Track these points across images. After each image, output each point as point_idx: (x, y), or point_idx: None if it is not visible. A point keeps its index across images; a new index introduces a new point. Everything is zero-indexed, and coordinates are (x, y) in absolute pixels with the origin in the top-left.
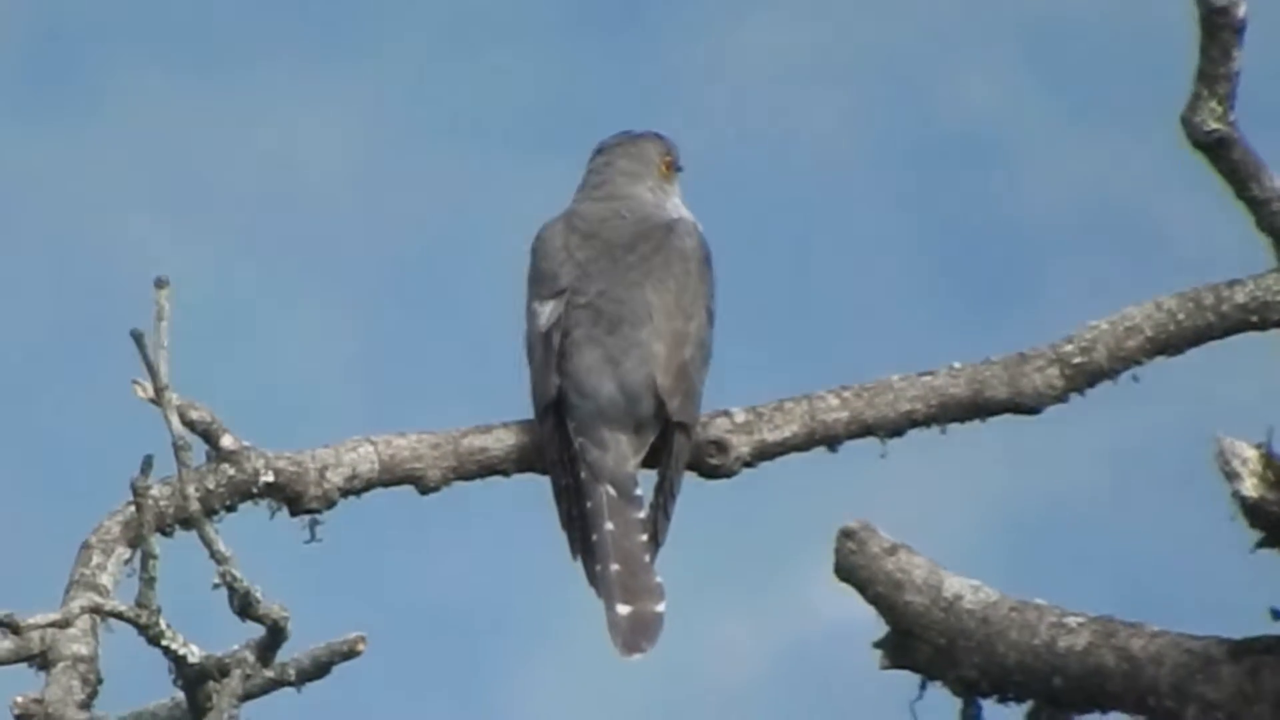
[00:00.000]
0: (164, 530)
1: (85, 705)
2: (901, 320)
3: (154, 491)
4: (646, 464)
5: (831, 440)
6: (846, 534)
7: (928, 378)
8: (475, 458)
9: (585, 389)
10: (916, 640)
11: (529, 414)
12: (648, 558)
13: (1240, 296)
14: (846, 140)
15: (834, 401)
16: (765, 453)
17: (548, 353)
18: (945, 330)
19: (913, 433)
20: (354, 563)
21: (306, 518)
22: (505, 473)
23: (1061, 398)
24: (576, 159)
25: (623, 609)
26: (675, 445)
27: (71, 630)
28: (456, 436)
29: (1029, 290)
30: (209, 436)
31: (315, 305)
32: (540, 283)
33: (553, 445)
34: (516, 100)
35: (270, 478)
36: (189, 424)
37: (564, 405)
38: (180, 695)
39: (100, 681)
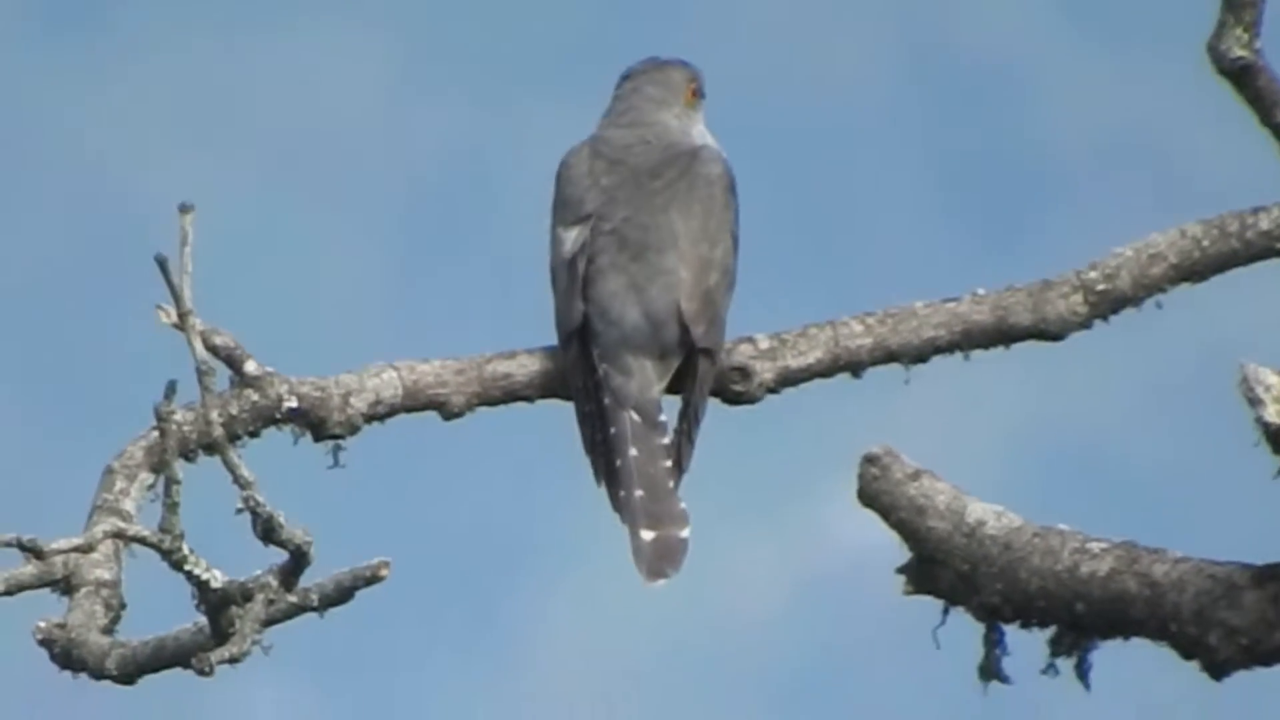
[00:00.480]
0: (187, 455)
1: (108, 630)
2: (925, 248)
3: (177, 417)
4: (670, 390)
5: (855, 366)
6: (869, 460)
7: (951, 304)
8: (499, 384)
9: (610, 315)
10: (939, 566)
11: (553, 340)
12: (671, 484)
13: (1265, 223)
14: (870, 68)
15: (858, 328)
16: (789, 379)
17: (572, 279)
18: (969, 258)
19: (936, 359)
20: (377, 489)
21: (330, 444)
22: (529, 399)
23: (1085, 324)
24: (603, 87)
25: (646, 535)
26: (699, 371)
27: (94, 555)
28: (480, 362)
29: (1053, 218)
30: (232, 362)
31: (340, 232)
32: (565, 209)
33: (577, 372)
34: (545, 29)
35: (293, 403)
36: (212, 349)
37: (588, 332)
38: (203, 620)
39: (123, 607)
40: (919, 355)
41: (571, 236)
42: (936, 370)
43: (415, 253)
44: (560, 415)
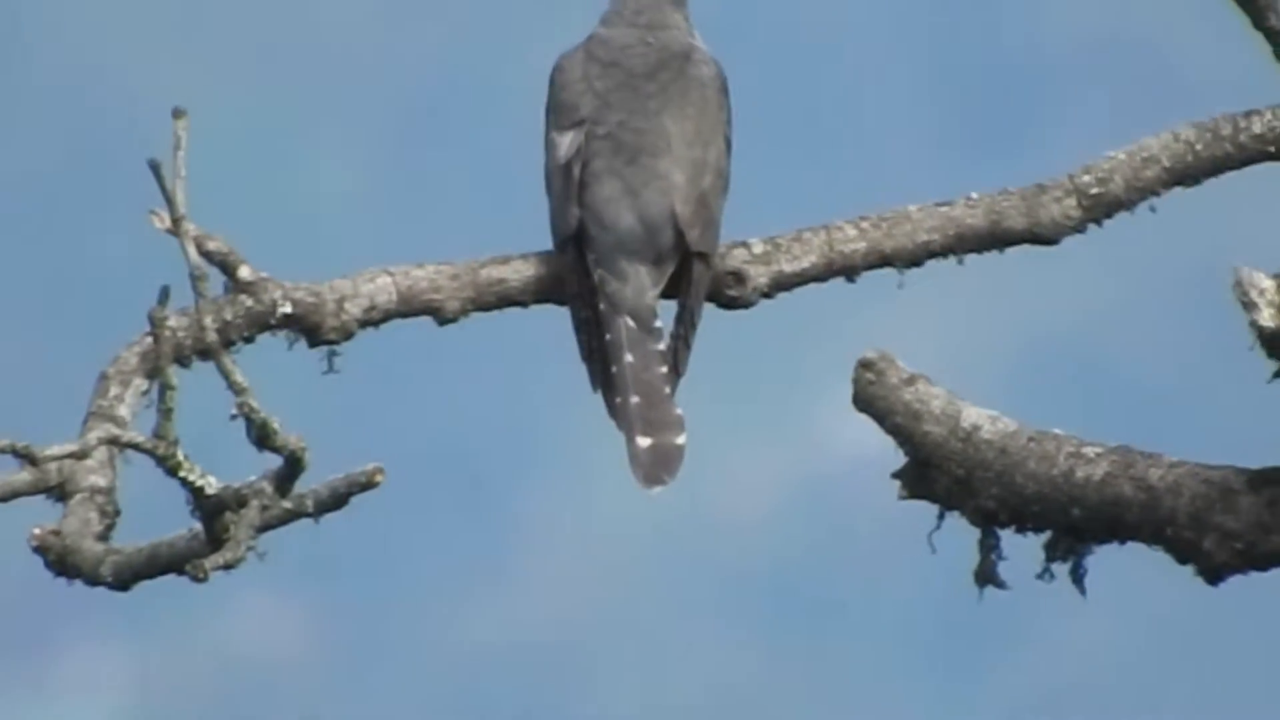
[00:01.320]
0: (181, 361)
1: (103, 537)
2: (919, 152)
3: (171, 322)
4: (666, 295)
5: (849, 271)
6: (865, 365)
7: (945, 208)
8: (494, 289)
9: (605, 220)
10: (935, 471)
11: (548, 246)
12: (668, 390)
13: (1258, 127)
14: None
15: (852, 232)
16: (783, 284)
17: (567, 184)
18: (962, 163)
19: (931, 264)
20: (372, 395)
21: (324, 349)
22: (524, 304)
23: (1079, 228)
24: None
25: (643, 441)
26: (695, 276)
27: (89, 461)
28: (475, 267)
29: (1047, 122)
30: (226, 267)
31: (335, 137)
32: (559, 113)
33: (572, 277)
34: None
35: (288, 309)
36: (206, 254)
37: (583, 237)
38: (198, 526)
39: (118, 513)
40: (913, 259)
41: (566, 141)
42: (931, 274)
43: (410, 157)
44: (556, 320)
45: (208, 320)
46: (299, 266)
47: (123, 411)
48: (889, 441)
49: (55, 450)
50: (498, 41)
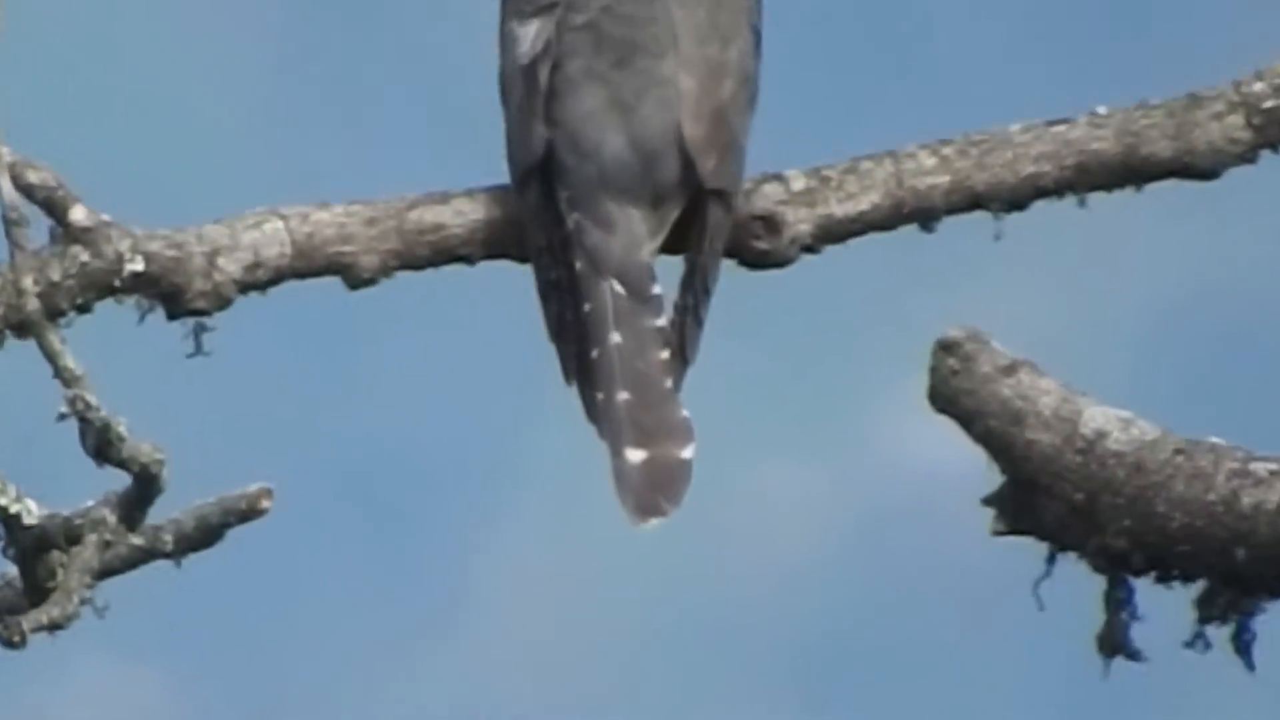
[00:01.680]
0: None
1: None
2: (1019, 49)
3: None
4: (668, 250)
5: (926, 216)
6: (947, 347)
7: (1061, 128)
8: (427, 238)
9: (584, 145)
10: (1043, 496)
11: (504, 179)
12: (670, 383)
13: None
14: None
15: (929, 162)
16: (833, 232)
17: (531, 94)
18: (1082, 64)
19: (1039, 205)
20: (256, 386)
21: (190, 321)
22: (469, 259)
23: (1247, 156)
24: None
25: (635, 455)
26: (710, 222)
27: None
28: (401, 209)
29: (1199, 9)
30: (53, 207)
31: (204, 31)
32: None
33: (538, 223)
34: None
35: (139, 266)
36: (25, 190)
37: (554, 167)
38: (12, 571)
39: None
40: (1015, 200)
41: (529, 34)
42: (1039, 220)
43: (308, 58)
44: (513, 283)
45: (27, 281)
46: (156, 207)
47: None
48: (978, 455)
49: None
50: None
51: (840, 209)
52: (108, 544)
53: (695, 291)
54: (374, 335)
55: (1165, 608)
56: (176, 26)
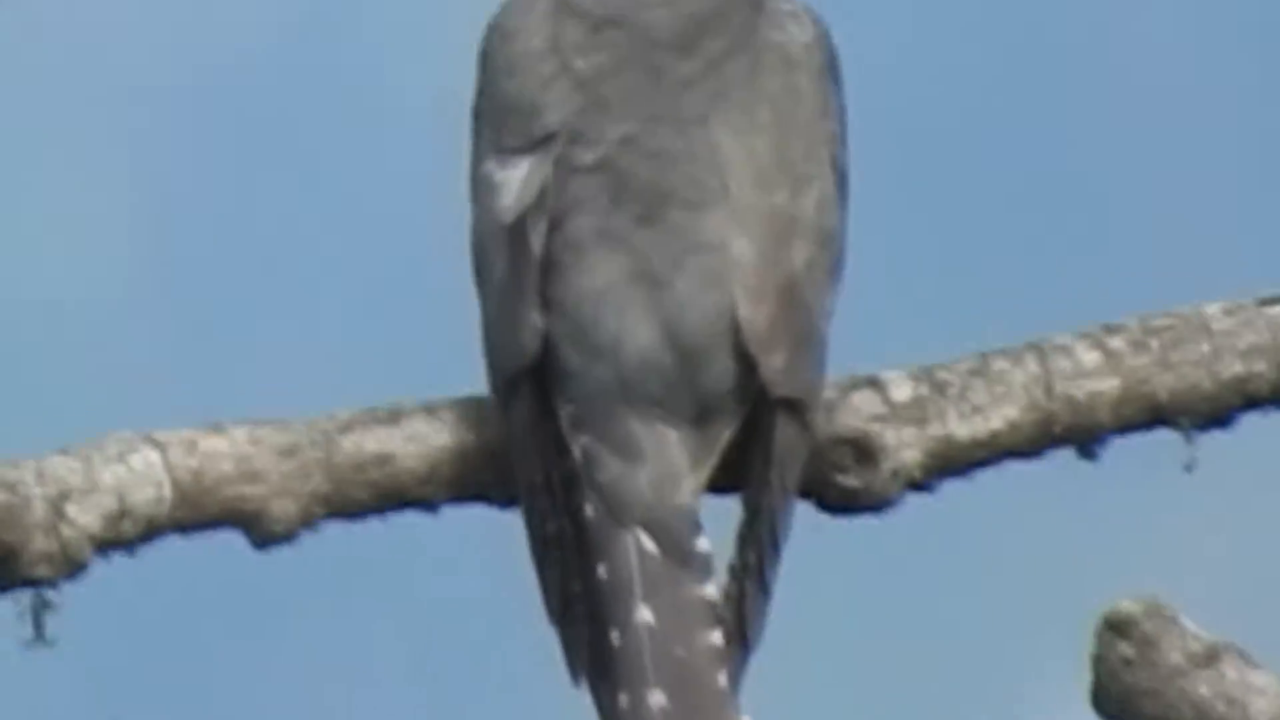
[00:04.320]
0: None
1: None
2: (1217, 201)
3: None
4: (718, 486)
5: (1087, 436)
6: (1117, 627)
7: (1279, 310)
8: (367, 475)
9: (595, 338)
10: None
11: (482, 387)
12: (724, 679)
13: None
14: None
15: (1089, 357)
16: (951, 461)
17: (519, 266)
18: None
19: (1248, 419)
20: (118, 685)
21: (28, 594)
22: (428, 502)
23: None
24: None
25: None
26: (778, 447)
27: None
28: (331, 430)
29: None
30: None
31: (57, 166)
32: (504, 121)
33: (529, 451)
34: None
35: None
36: None
37: (552, 371)
38: None
39: None
40: (1215, 412)
41: (515, 178)
42: (1248, 441)
43: (199, 202)
44: (491, 539)
45: None
46: None
47: None
48: None
49: None
50: None
51: (963, 428)
52: None
53: (759, 546)
54: (287, 610)
55: None
56: (38, 158)
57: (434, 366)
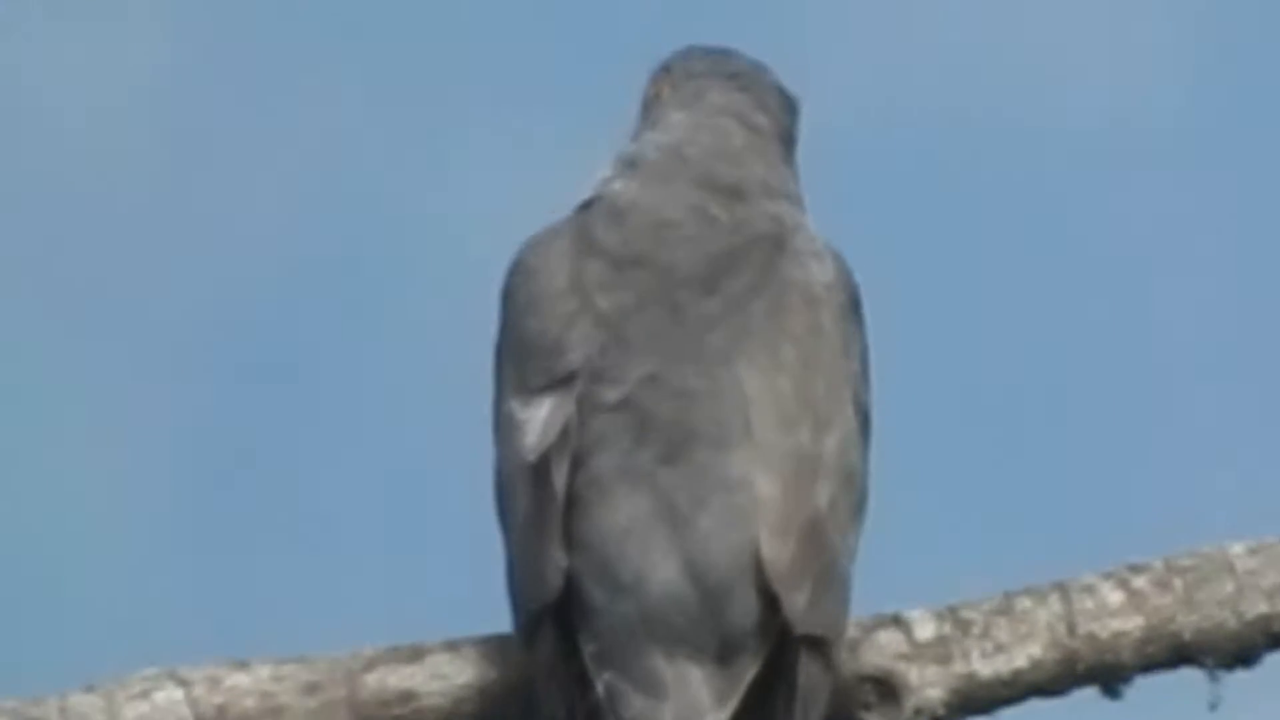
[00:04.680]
0: None
1: None
2: (1238, 438)
3: None
4: None
5: (1111, 675)
6: None
7: None
8: (391, 712)
9: (619, 575)
10: None
11: (505, 625)
12: None
13: None
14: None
15: (1114, 598)
16: (975, 699)
17: (543, 503)
18: None
19: (1274, 658)
20: None
21: None
22: None
23: None
24: (598, 104)
25: None
26: (801, 684)
27: None
28: (354, 668)
29: None
30: None
31: (75, 384)
32: (527, 360)
33: (553, 688)
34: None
35: None
36: None
37: (576, 608)
38: None
39: None
40: (1238, 650)
41: (539, 417)
42: (1273, 680)
43: (220, 441)
44: None
45: None
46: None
47: None
48: None
49: None
50: (379, 213)
51: (986, 666)
52: None
53: None
54: None
55: None
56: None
57: (458, 604)
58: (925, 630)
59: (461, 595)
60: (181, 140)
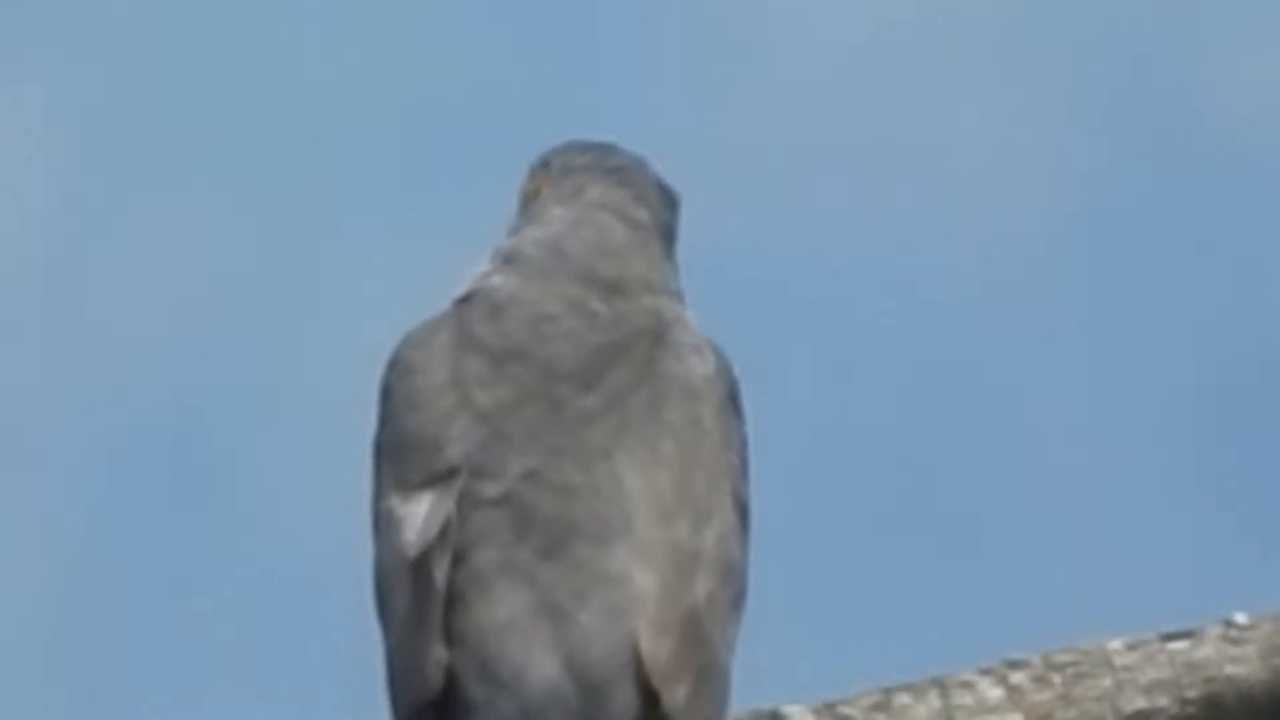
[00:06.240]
0: None
1: None
2: (1135, 531)
3: None
4: None
5: None
6: None
7: (1182, 645)
8: None
9: (499, 671)
10: None
11: None
12: None
13: None
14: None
15: (993, 693)
16: None
17: (422, 600)
18: (1215, 550)
19: None
20: None
21: None
22: None
23: None
24: (470, 199)
25: None
26: None
27: None
28: None
29: None
30: None
31: None
32: (406, 456)
33: None
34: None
35: None
36: None
37: (456, 705)
38: None
39: None
40: None
41: (420, 512)
42: None
43: (99, 558)
44: None
45: None
46: None
47: None
48: None
49: None
50: (271, 301)
51: None
52: None
53: None
54: None
55: None
56: None
57: (336, 704)
58: None
59: (335, 697)
60: (53, 264)
